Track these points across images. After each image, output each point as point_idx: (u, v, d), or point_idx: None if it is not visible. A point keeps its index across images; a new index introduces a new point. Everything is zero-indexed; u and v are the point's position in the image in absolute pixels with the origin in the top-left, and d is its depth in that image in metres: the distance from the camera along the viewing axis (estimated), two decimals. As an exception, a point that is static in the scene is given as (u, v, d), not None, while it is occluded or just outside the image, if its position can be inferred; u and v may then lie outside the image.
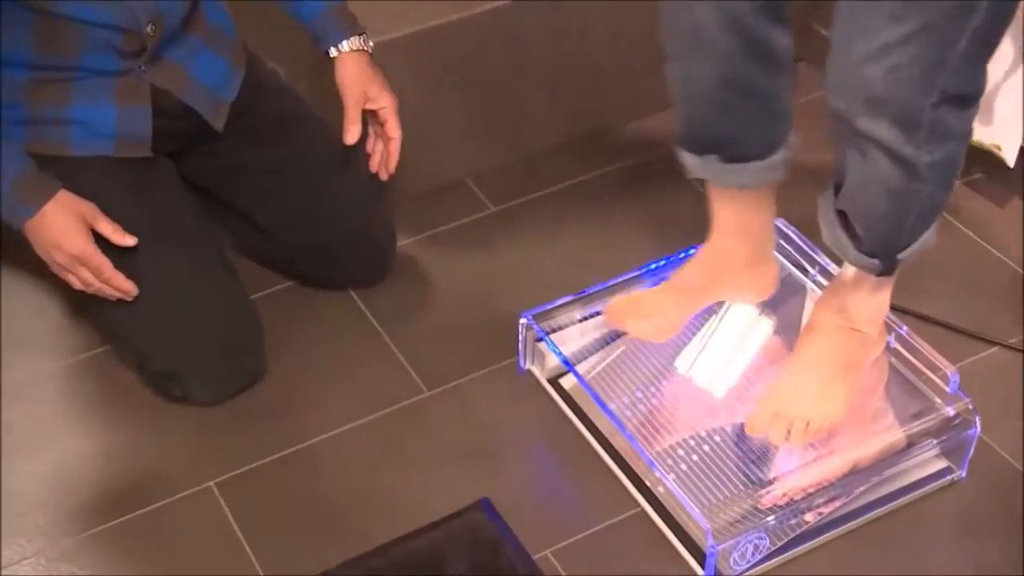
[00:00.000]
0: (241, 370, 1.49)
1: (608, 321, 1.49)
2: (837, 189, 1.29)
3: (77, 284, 1.41)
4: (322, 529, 1.36)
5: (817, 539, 1.34)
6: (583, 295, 1.54)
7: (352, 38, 1.51)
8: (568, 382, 1.50)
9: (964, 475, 1.41)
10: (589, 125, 1.88)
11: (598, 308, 1.53)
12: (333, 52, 1.50)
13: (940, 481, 1.40)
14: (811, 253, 1.55)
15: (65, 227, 1.37)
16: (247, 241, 1.63)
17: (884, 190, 1.22)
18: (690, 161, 1.38)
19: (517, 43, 1.73)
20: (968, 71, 1.15)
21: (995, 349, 1.56)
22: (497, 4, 1.68)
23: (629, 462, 1.41)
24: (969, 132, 1.22)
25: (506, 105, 1.79)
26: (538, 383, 1.52)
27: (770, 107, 1.32)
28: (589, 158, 1.84)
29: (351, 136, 1.52)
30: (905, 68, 1.12)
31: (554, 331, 1.50)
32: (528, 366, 1.53)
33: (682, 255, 1.59)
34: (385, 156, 1.56)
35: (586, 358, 1.49)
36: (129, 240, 1.41)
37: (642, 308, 1.48)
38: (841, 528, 1.35)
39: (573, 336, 1.51)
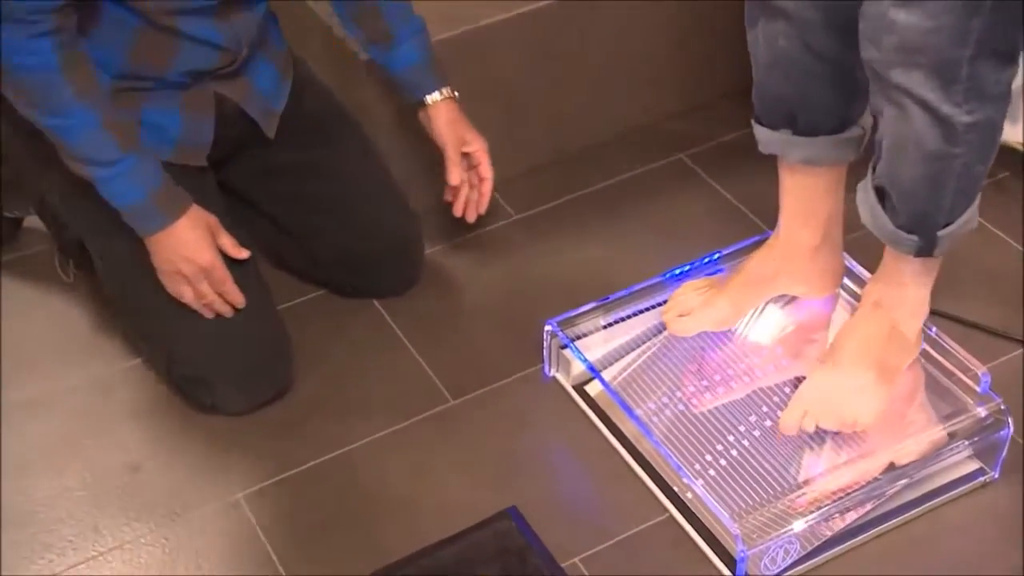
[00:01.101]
0: (270, 379, 1.49)
1: (664, 319, 1.51)
2: (874, 170, 1.28)
3: (190, 296, 1.42)
4: (350, 540, 1.36)
5: (848, 543, 1.33)
6: (606, 301, 1.53)
7: (444, 87, 1.54)
8: (594, 388, 1.50)
9: (997, 476, 1.39)
10: (609, 131, 1.88)
11: (622, 314, 1.53)
12: (429, 100, 1.54)
13: (973, 483, 1.39)
14: (851, 270, 1.54)
15: (197, 240, 1.39)
16: (275, 246, 1.63)
17: (920, 154, 1.20)
18: (763, 135, 1.40)
19: (533, 51, 1.73)
20: (1003, 24, 1.13)
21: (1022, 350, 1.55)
22: (507, 16, 1.68)
23: (656, 468, 1.40)
24: (1008, 96, 1.19)
25: (526, 113, 1.79)
26: (563, 390, 1.51)
27: (846, 80, 1.33)
28: (608, 164, 1.84)
29: (455, 177, 1.56)
30: (937, 15, 1.11)
31: (578, 338, 1.50)
32: (553, 373, 1.53)
33: (706, 260, 1.59)
34: (477, 197, 1.59)
35: (611, 364, 1.49)
36: (244, 253, 1.44)
37: (706, 299, 1.49)
38: (872, 531, 1.34)
39: (597, 342, 1.51)
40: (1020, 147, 1.71)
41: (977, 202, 1.29)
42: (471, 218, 1.62)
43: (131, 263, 1.43)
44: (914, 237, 1.28)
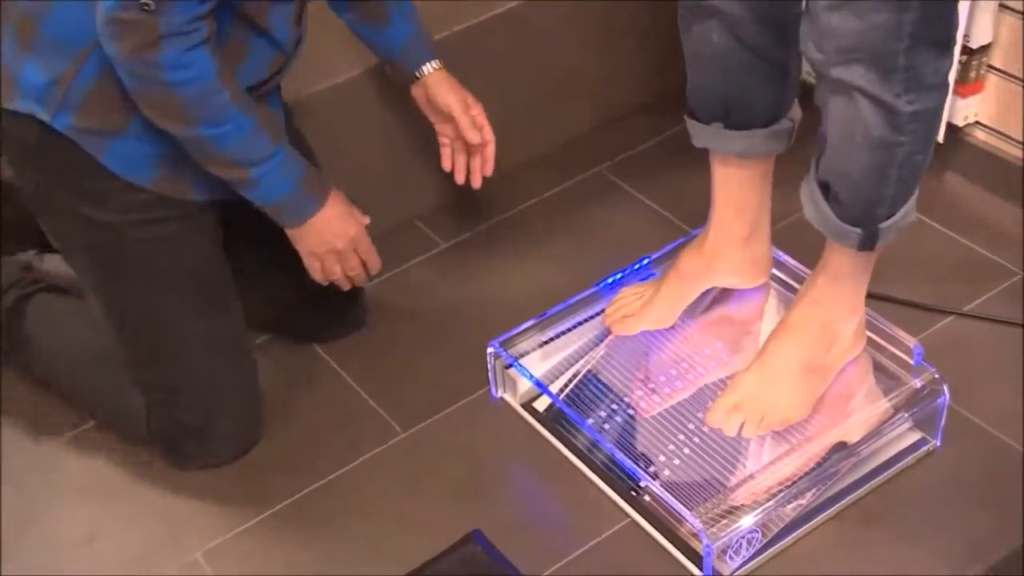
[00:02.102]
0: (256, 427, 1.50)
1: (608, 323, 1.53)
2: (818, 165, 1.32)
3: (338, 273, 1.44)
4: (316, 582, 1.36)
5: (807, 525, 1.36)
6: (545, 317, 1.55)
7: (436, 58, 1.56)
8: (542, 404, 1.51)
9: (939, 443, 1.43)
10: (528, 152, 1.90)
11: (562, 328, 1.55)
12: (427, 70, 1.55)
13: (917, 453, 1.43)
14: (778, 260, 1.58)
15: (345, 214, 1.41)
16: None
17: (867, 142, 1.23)
18: (697, 129, 1.44)
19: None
20: (934, 15, 1.17)
21: (949, 319, 1.60)
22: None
23: (612, 475, 1.42)
24: (946, 84, 1.23)
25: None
26: (512, 409, 1.53)
27: (778, 74, 1.37)
28: (531, 184, 1.86)
29: (474, 136, 1.57)
30: (869, 15, 1.15)
31: (522, 356, 1.51)
32: (500, 394, 1.54)
33: (637, 267, 1.62)
34: (480, 162, 1.61)
35: (557, 378, 1.50)
36: (367, 219, 1.45)
37: (645, 299, 1.52)
38: (829, 511, 1.37)
39: (541, 359, 1.52)
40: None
41: (916, 195, 1.33)
42: (477, 183, 1.63)
43: (151, 309, 1.41)
44: (857, 230, 1.31)
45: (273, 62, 1.37)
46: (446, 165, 1.63)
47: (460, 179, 1.63)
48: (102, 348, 1.48)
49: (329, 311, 1.61)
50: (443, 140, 1.62)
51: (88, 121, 1.30)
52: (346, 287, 1.47)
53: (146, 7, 1.18)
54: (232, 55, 1.30)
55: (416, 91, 1.58)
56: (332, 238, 1.40)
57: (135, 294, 1.41)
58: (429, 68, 1.55)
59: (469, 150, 1.62)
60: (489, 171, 1.62)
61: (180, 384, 1.44)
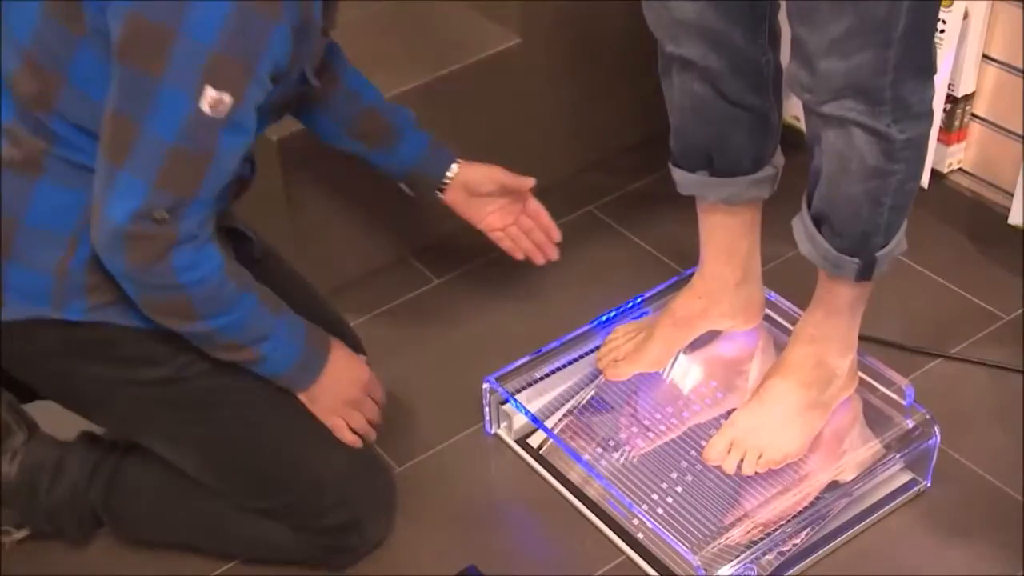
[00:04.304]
0: (388, 474, 1.43)
1: (600, 367, 1.54)
2: (810, 203, 1.34)
3: (362, 422, 1.34)
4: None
5: (801, 564, 1.37)
6: (540, 353, 1.55)
7: (453, 155, 1.50)
8: (536, 440, 1.51)
9: (929, 484, 1.45)
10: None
11: (556, 364, 1.56)
12: (455, 168, 1.49)
13: (908, 493, 1.44)
14: (769, 299, 1.59)
15: (348, 356, 1.33)
16: None
17: (861, 170, 1.25)
18: (682, 177, 1.45)
19: (437, 122, 1.76)
20: (916, 46, 1.20)
21: (936, 362, 1.62)
22: (404, 89, 1.72)
23: (607, 510, 1.42)
24: (931, 112, 1.26)
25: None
26: (507, 445, 1.53)
27: (759, 123, 1.39)
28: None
29: (540, 211, 1.54)
30: (856, 57, 1.18)
31: (517, 391, 1.51)
32: (494, 430, 1.54)
33: (630, 304, 1.63)
34: (541, 234, 1.56)
35: (552, 414, 1.51)
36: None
37: (637, 342, 1.53)
38: (822, 551, 1.38)
39: (535, 394, 1.53)
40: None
41: (905, 224, 1.35)
42: (553, 255, 1.58)
43: (251, 428, 1.30)
44: (856, 260, 1.32)
45: (239, 187, 1.32)
46: (518, 256, 1.57)
47: (541, 259, 1.58)
48: (205, 496, 1.35)
49: None
50: (497, 235, 1.56)
51: (102, 296, 1.21)
52: (372, 438, 1.37)
53: (161, 220, 1.12)
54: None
55: (451, 195, 1.51)
56: (347, 386, 1.33)
57: (229, 425, 1.30)
58: (455, 167, 1.49)
59: (521, 225, 1.56)
60: (556, 236, 1.57)
61: (315, 489, 1.32)
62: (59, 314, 1.21)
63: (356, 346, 1.44)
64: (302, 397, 1.31)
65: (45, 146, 1.18)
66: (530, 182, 1.54)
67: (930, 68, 1.23)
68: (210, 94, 1.10)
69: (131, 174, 1.12)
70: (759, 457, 1.40)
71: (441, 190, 1.51)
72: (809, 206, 1.34)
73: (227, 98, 1.10)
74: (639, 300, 1.64)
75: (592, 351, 1.58)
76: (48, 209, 1.19)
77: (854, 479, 1.40)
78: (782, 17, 1.31)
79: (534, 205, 1.56)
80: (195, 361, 1.26)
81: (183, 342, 1.24)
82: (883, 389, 1.48)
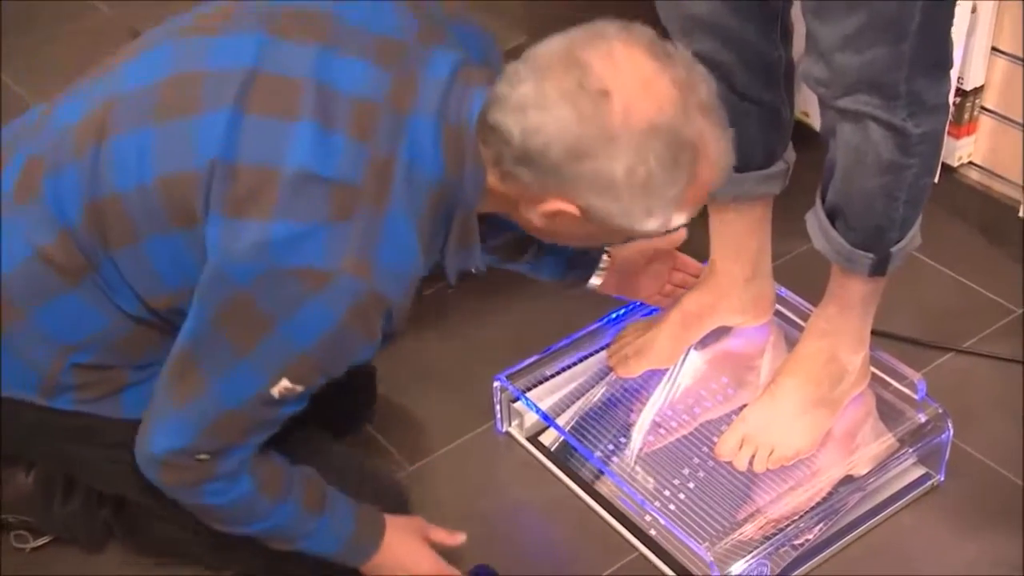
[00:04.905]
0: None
1: (611, 364, 1.53)
2: (824, 197, 1.33)
3: None
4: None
5: (815, 559, 1.36)
6: (550, 351, 1.55)
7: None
8: (548, 438, 1.51)
9: (943, 479, 1.45)
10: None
11: (567, 362, 1.55)
12: (606, 260, 1.47)
13: (921, 488, 1.44)
14: (780, 295, 1.59)
15: (412, 549, 1.30)
16: None
17: (877, 164, 1.25)
18: None
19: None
20: (931, 41, 1.19)
21: (948, 356, 1.61)
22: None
23: (619, 507, 1.42)
24: (947, 106, 1.26)
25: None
26: (518, 443, 1.53)
27: (771, 117, 1.39)
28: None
29: (681, 234, 1.49)
30: (870, 51, 1.17)
31: (528, 389, 1.51)
32: (506, 428, 1.54)
33: (640, 302, 1.62)
34: (682, 273, 1.56)
35: (563, 411, 1.51)
36: (460, 539, 1.34)
37: (647, 338, 1.52)
38: (836, 546, 1.38)
39: (546, 392, 1.52)
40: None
41: (920, 220, 1.35)
42: None
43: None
44: (870, 255, 1.32)
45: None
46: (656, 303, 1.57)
47: None
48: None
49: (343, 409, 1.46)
50: (656, 300, 1.56)
51: (92, 392, 1.19)
52: None
53: (202, 460, 1.13)
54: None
55: (605, 284, 1.49)
56: (411, 568, 1.30)
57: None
58: (605, 258, 1.46)
59: (673, 281, 1.56)
60: (695, 269, 1.55)
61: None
62: (45, 403, 1.19)
63: (400, 503, 1.40)
64: (362, 570, 1.29)
65: (90, 270, 1.13)
66: (680, 238, 1.50)
67: (946, 63, 1.23)
68: (284, 384, 1.10)
69: (185, 416, 1.12)
70: (771, 453, 1.40)
71: (597, 280, 1.48)
72: (823, 201, 1.33)
73: (299, 388, 1.11)
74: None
75: (602, 348, 1.57)
76: (61, 317, 1.15)
77: (867, 474, 1.39)
78: (795, 12, 1.30)
79: (683, 259, 1.55)
80: None
81: None
82: (895, 384, 1.48)
